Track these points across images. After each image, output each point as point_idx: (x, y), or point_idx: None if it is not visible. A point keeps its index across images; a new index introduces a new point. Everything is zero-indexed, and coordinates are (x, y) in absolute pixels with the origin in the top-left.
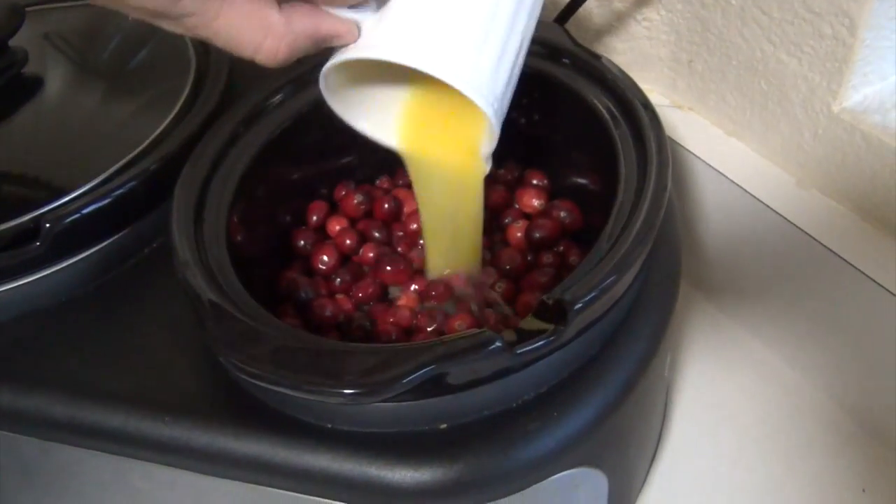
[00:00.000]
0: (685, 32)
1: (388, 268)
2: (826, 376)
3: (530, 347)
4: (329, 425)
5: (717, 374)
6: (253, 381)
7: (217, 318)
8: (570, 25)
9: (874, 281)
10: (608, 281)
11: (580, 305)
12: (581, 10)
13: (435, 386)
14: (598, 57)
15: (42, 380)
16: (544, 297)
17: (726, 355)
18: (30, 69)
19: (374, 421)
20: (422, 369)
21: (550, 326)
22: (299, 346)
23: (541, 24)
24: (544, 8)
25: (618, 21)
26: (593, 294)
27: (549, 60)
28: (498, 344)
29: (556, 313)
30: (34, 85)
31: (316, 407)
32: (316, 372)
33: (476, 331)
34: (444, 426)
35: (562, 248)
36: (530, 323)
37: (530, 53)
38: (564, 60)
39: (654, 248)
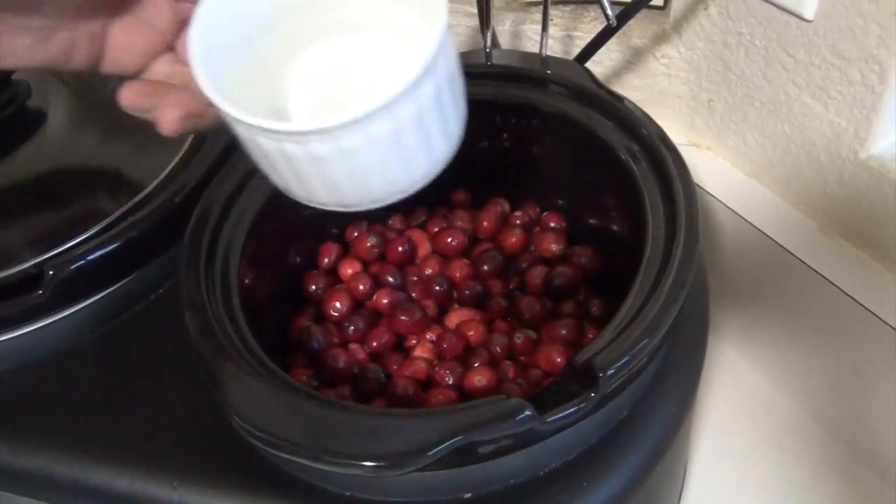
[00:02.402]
0: (705, 71)
1: (404, 317)
2: (849, 429)
3: (561, 415)
4: (348, 493)
5: (736, 423)
6: (269, 449)
7: (230, 381)
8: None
9: None
10: (641, 344)
11: (612, 371)
12: None
13: (460, 455)
14: (620, 99)
15: (43, 437)
16: (572, 360)
17: (745, 403)
18: (33, 102)
19: (395, 490)
20: (448, 441)
21: (580, 392)
22: (318, 413)
23: (563, 63)
24: (566, 46)
25: (636, 58)
26: (626, 359)
27: (571, 101)
28: (527, 413)
29: (586, 378)
30: (37, 120)
31: (335, 475)
32: (337, 442)
33: (503, 397)
34: (468, 496)
35: (582, 297)
36: (559, 387)
37: (553, 93)
38: (586, 101)
39: (682, 305)
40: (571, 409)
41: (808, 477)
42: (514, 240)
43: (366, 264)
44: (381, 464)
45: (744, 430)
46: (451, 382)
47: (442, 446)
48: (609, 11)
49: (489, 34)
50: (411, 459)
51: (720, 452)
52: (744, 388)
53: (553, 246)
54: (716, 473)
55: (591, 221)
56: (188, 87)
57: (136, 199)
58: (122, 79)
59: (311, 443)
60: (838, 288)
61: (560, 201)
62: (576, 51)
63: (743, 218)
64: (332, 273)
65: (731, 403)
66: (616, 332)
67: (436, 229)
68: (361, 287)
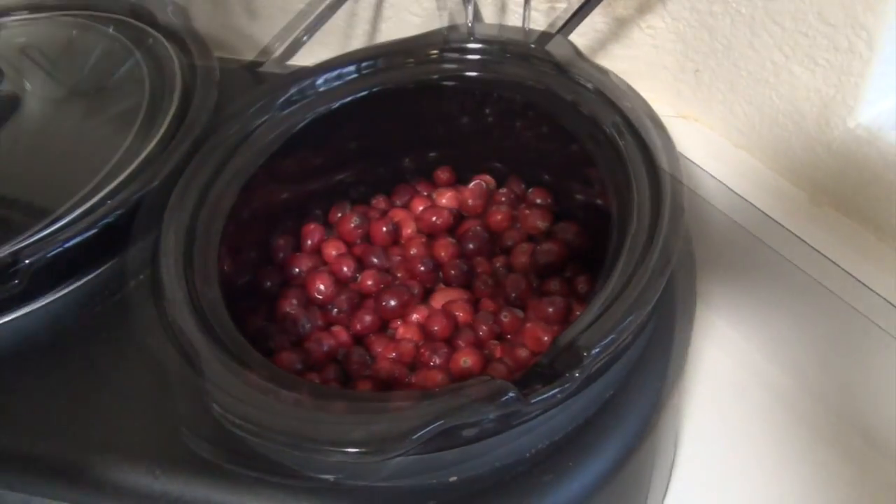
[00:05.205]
0: (692, 41)
1: (392, 300)
2: (840, 400)
3: (545, 396)
4: (332, 478)
5: (727, 394)
6: (251, 438)
7: (210, 368)
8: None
9: (891, 303)
10: (625, 322)
11: (597, 350)
12: None
13: (444, 438)
14: (605, 72)
15: (23, 429)
16: (557, 339)
17: (736, 374)
18: (6, 87)
19: (379, 475)
20: (431, 425)
21: (565, 372)
22: (300, 399)
23: (546, 37)
24: (549, 18)
25: (621, 28)
26: (610, 337)
27: (554, 75)
28: (511, 395)
29: (570, 357)
30: (11, 104)
31: (318, 460)
32: (318, 429)
33: (487, 378)
34: (453, 479)
35: (569, 273)
36: (543, 368)
37: (537, 67)
38: (570, 75)
39: (669, 279)
40: (555, 390)
41: (800, 448)
42: (499, 217)
43: (350, 245)
44: (364, 450)
45: (735, 402)
46: (437, 363)
47: (425, 430)
48: None
49: (471, 8)
50: (394, 444)
51: (711, 425)
52: (735, 359)
53: (539, 223)
54: (707, 446)
55: (577, 197)
56: None
57: (113, 184)
58: None
59: (292, 430)
60: (828, 258)
61: (545, 176)
62: (559, 23)
63: (732, 189)
64: (316, 255)
65: (721, 375)
66: (601, 310)
67: (420, 208)
68: (345, 268)
